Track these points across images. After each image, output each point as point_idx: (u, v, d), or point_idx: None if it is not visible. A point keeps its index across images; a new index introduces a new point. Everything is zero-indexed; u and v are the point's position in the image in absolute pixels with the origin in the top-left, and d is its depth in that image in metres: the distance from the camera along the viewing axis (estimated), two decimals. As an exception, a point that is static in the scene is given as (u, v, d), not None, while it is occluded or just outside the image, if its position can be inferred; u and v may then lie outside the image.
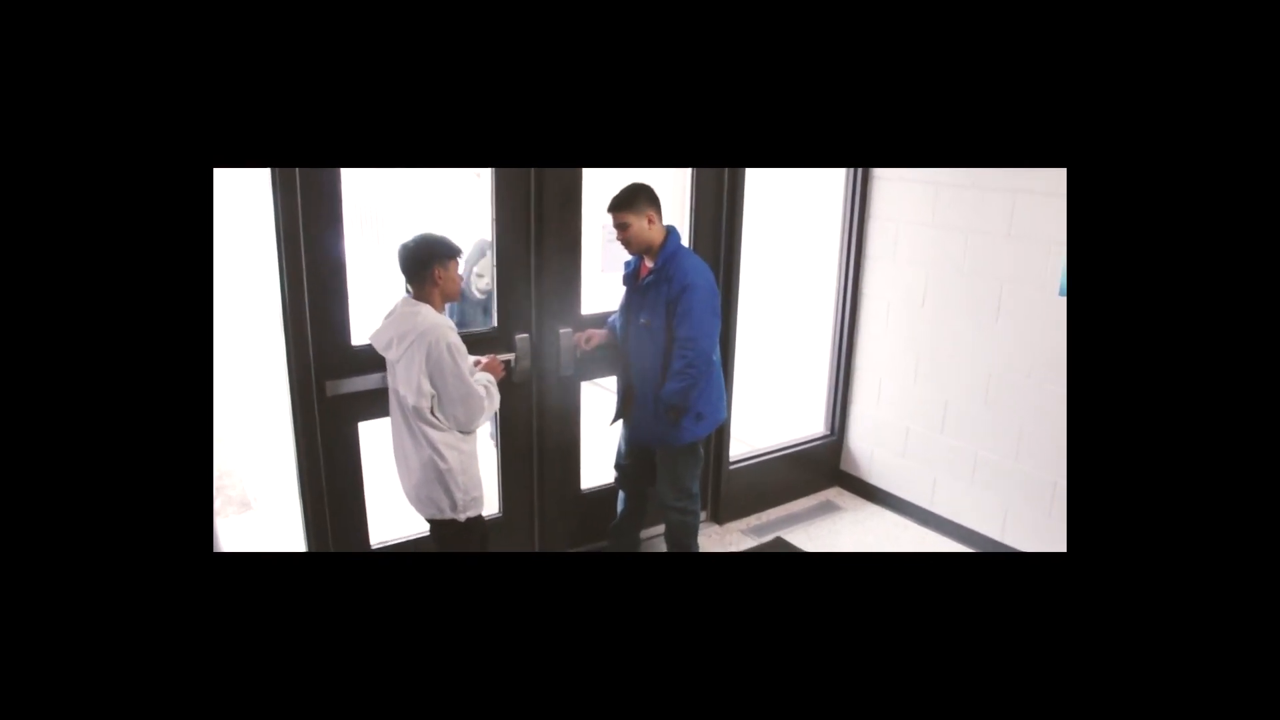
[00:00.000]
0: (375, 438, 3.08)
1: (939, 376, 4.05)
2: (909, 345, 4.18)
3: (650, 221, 3.09)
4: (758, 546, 3.97)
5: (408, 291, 2.70)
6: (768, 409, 5.02)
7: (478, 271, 4.24)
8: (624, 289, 3.34)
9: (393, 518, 3.26)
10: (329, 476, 2.99)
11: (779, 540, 4.03)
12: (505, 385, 3.32)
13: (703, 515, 4.20)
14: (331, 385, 2.89)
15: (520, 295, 3.30)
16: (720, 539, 4.05)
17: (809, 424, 4.68)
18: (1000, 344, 3.74)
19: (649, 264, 3.17)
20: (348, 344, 2.91)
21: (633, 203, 3.07)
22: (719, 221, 3.82)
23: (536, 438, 3.48)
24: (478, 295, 4.28)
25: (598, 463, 3.81)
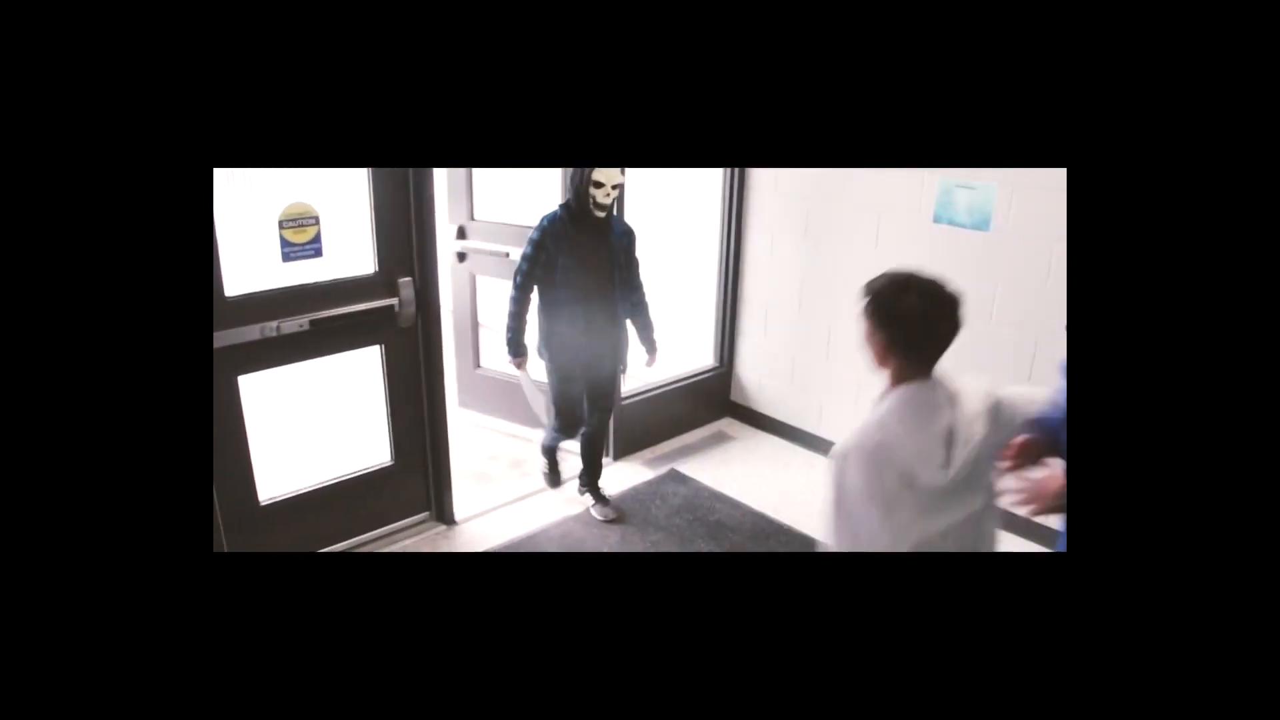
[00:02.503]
0: (256, 391, 2.98)
1: (822, 305, 4.15)
2: (793, 275, 4.26)
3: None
4: (653, 479, 4.04)
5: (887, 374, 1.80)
6: (658, 344, 5.06)
7: (597, 179, 3.22)
8: None
9: (279, 473, 3.17)
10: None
11: (673, 472, 4.10)
12: (392, 330, 3.25)
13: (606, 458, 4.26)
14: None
15: (400, 234, 3.21)
16: (617, 473, 4.10)
17: (699, 357, 4.74)
18: (879, 270, 3.84)
19: None
20: (221, 293, 2.78)
21: None
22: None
23: (426, 383, 3.44)
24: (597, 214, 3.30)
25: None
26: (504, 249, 4.17)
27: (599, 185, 3.20)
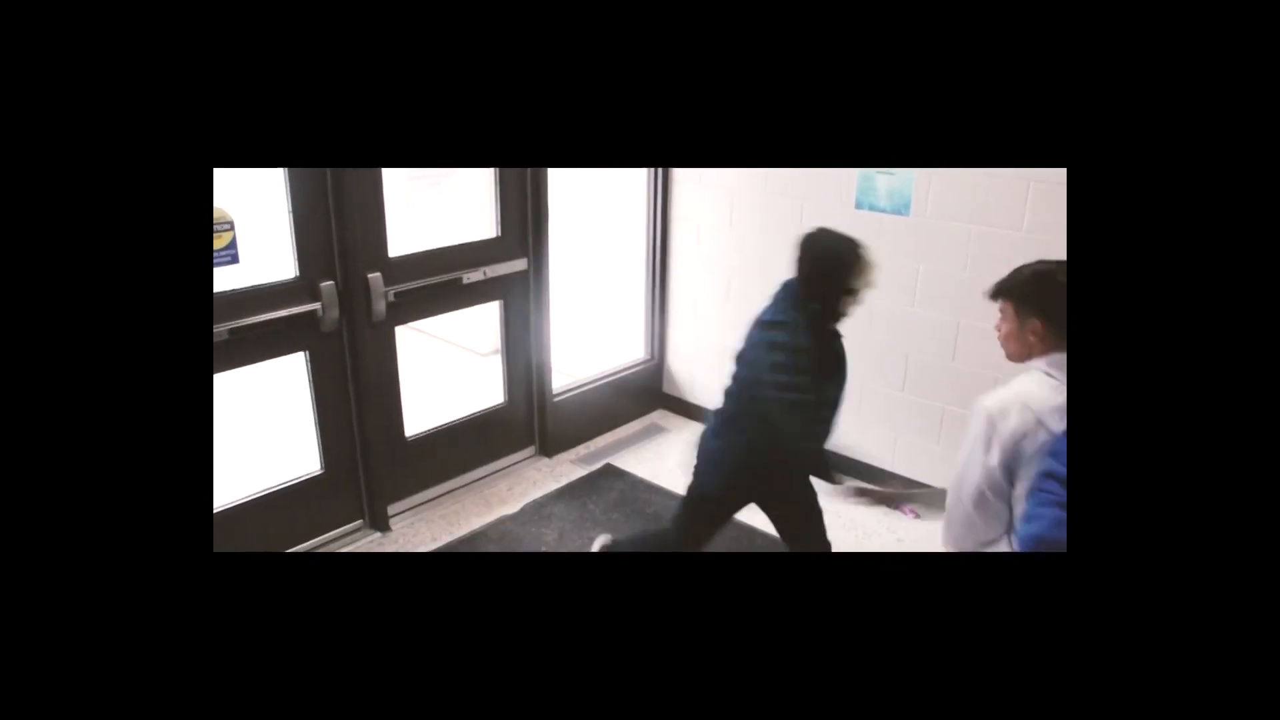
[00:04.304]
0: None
1: (749, 293, 4.17)
2: (720, 265, 4.29)
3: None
4: (588, 475, 4.02)
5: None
6: (589, 339, 5.04)
7: (853, 286, 2.45)
8: None
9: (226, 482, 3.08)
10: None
11: (608, 466, 4.09)
12: (316, 335, 3.17)
13: (531, 450, 4.22)
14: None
15: (320, 237, 3.13)
16: (550, 471, 4.07)
17: (630, 350, 4.74)
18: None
19: None
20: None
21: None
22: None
23: (353, 388, 3.36)
24: None
25: (420, 409, 3.73)
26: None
27: (851, 292, 2.36)
